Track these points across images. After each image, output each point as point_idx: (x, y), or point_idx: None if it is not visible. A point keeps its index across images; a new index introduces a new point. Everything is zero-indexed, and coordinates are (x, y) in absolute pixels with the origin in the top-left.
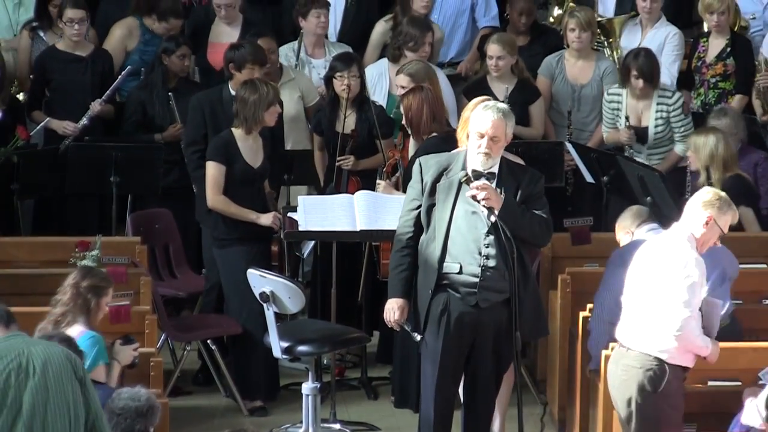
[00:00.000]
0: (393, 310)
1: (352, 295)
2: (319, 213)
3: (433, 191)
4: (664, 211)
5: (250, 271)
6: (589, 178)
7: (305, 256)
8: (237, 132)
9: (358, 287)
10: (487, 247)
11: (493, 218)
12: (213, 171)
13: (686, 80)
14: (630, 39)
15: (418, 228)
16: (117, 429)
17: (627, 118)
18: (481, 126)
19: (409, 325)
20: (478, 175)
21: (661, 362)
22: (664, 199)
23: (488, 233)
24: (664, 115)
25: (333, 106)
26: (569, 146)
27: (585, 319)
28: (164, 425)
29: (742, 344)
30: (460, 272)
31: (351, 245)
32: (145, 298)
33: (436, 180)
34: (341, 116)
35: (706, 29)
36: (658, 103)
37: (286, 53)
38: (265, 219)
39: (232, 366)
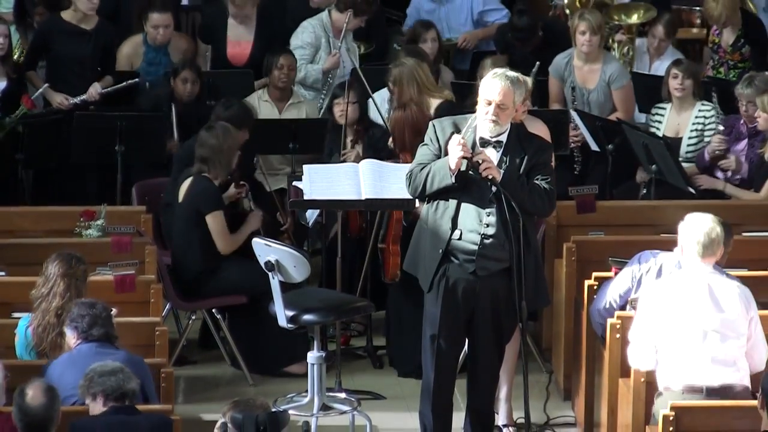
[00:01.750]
0: (456, 145)
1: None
2: (325, 181)
3: (446, 153)
4: (669, 180)
5: (255, 240)
6: (594, 147)
7: (310, 224)
8: (211, 177)
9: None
10: (488, 215)
11: (494, 188)
12: (220, 219)
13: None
14: (637, 64)
15: None
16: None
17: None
18: (488, 93)
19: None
20: (485, 142)
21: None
22: (669, 167)
23: (490, 202)
24: (700, 127)
25: (337, 132)
26: (574, 114)
27: (590, 287)
28: (169, 395)
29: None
30: (460, 238)
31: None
32: (150, 267)
33: (448, 141)
34: (346, 143)
35: None
36: (696, 116)
37: (315, 30)
38: (255, 223)
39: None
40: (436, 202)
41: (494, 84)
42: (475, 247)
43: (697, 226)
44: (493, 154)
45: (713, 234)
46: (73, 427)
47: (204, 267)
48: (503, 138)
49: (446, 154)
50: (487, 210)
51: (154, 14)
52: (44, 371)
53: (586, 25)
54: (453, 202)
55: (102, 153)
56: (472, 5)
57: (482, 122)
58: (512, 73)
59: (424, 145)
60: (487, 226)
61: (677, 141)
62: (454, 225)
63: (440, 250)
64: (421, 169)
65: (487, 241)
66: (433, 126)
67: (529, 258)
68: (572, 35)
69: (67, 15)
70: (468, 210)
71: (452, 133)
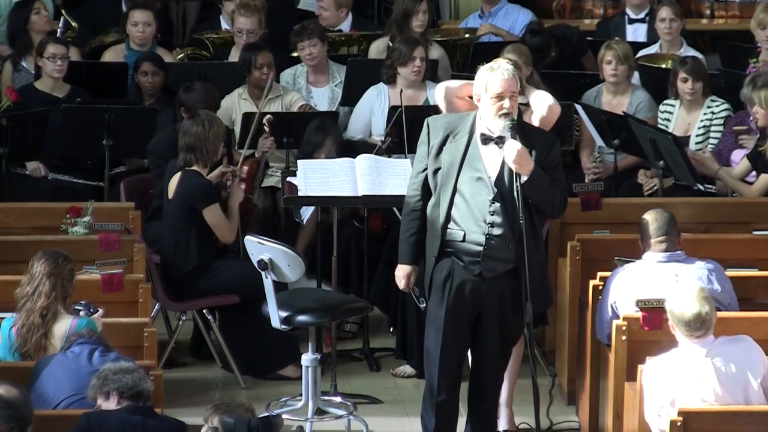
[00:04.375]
0: (400, 277)
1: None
2: (320, 177)
3: (438, 154)
4: (677, 176)
5: (248, 238)
6: (599, 142)
7: (305, 222)
8: (199, 169)
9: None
10: (492, 214)
11: (518, 184)
12: (218, 212)
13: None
14: None
15: (426, 191)
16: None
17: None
18: (497, 87)
19: (417, 291)
20: (487, 139)
21: None
22: (677, 163)
23: (494, 200)
24: (707, 123)
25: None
26: (579, 108)
27: (595, 287)
28: (158, 398)
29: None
30: (464, 240)
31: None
32: (139, 265)
33: (443, 143)
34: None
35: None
36: (704, 112)
37: (287, 79)
38: (239, 194)
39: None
40: (433, 201)
41: (499, 77)
42: (481, 249)
43: (683, 307)
44: (496, 151)
45: (703, 313)
46: (88, 417)
47: (198, 264)
48: (504, 134)
49: (437, 153)
50: (491, 209)
51: (135, 12)
52: (34, 372)
53: (612, 54)
54: (447, 203)
55: (89, 147)
56: (516, 22)
57: (492, 118)
58: (506, 63)
59: (419, 145)
60: (492, 226)
61: (686, 139)
62: (445, 228)
63: (432, 257)
64: (408, 211)
65: (492, 242)
66: (427, 125)
67: (538, 257)
68: (599, 66)
69: (39, 84)
70: (470, 209)
71: (448, 135)
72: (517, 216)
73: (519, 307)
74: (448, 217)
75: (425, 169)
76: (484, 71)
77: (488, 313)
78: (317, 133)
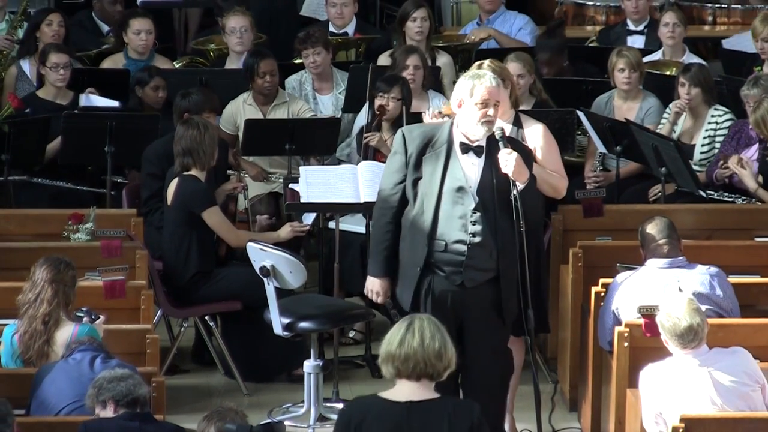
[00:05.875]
0: (374, 291)
1: None
2: (322, 184)
3: (418, 164)
4: (679, 183)
5: (250, 245)
6: (601, 148)
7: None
8: (196, 173)
9: None
10: (474, 224)
11: (515, 191)
12: (218, 214)
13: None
14: None
15: (402, 202)
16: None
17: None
18: (483, 95)
19: (390, 304)
20: (467, 148)
21: None
22: (680, 170)
23: (475, 210)
24: (711, 133)
25: (372, 127)
26: (581, 115)
27: (597, 294)
28: (160, 405)
29: None
30: (445, 250)
31: None
32: (141, 272)
33: (421, 152)
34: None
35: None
36: (708, 122)
37: (293, 85)
38: (285, 234)
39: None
40: (414, 212)
41: (486, 84)
42: (463, 258)
43: (675, 320)
44: (475, 161)
45: (695, 324)
46: (86, 426)
47: (199, 270)
48: (482, 143)
49: (416, 163)
50: (473, 218)
51: (134, 20)
52: (36, 379)
53: (624, 62)
54: (431, 213)
55: (91, 154)
56: (512, 27)
57: (473, 124)
58: (490, 73)
59: (394, 154)
60: (474, 235)
61: (691, 147)
62: (432, 238)
63: (418, 268)
64: (384, 223)
65: (474, 252)
66: (402, 135)
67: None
68: (611, 73)
69: (42, 92)
70: (452, 219)
71: (426, 144)
72: (518, 223)
73: (500, 316)
74: (434, 227)
75: (402, 180)
76: (469, 78)
77: (471, 322)
78: (386, 81)
